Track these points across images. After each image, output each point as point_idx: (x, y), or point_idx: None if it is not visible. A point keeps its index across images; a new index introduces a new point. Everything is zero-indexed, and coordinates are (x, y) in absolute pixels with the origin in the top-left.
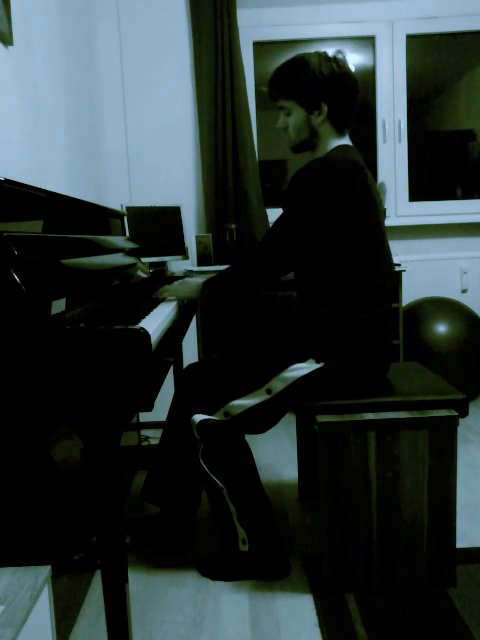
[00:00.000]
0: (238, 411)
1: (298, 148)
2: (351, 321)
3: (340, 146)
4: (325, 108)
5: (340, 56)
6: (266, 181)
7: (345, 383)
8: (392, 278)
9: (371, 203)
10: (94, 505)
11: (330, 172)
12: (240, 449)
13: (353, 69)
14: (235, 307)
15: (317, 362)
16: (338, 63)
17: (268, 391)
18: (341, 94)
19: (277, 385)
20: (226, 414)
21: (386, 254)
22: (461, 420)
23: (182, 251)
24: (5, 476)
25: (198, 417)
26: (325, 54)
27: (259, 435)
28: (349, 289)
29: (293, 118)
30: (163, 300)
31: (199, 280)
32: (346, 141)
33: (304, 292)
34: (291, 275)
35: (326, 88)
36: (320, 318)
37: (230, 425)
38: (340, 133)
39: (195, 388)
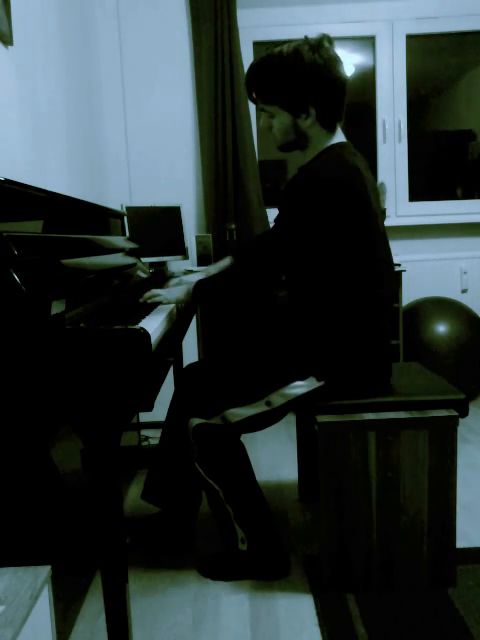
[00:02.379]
0: (236, 419)
1: (286, 148)
2: (351, 335)
3: (334, 146)
4: (313, 111)
5: (326, 44)
6: (266, 181)
7: (345, 396)
8: (392, 285)
9: (370, 210)
10: (94, 505)
11: (325, 186)
12: (236, 451)
13: (351, 67)
14: (228, 309)
15: (318, 380)
16: (320, 53)
17: (268, 403)
18: (329, 93)
19: (277, 399)
20: (223, 419)
21: (386, 261)
22: (461, 420)
23: (182, 251)
24: (5, 476)
25: (195, 420)
26: (307, 43)
27: (259, 435)
28: (348, 301)
29: (278, 121)
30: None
31: (191, 280)
32: (339, 137)
33: (301, 304)
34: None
35: (311, 89)
36: (319, 333)
37: (228, 427)
38: (332, 131)
39: (194, 390)
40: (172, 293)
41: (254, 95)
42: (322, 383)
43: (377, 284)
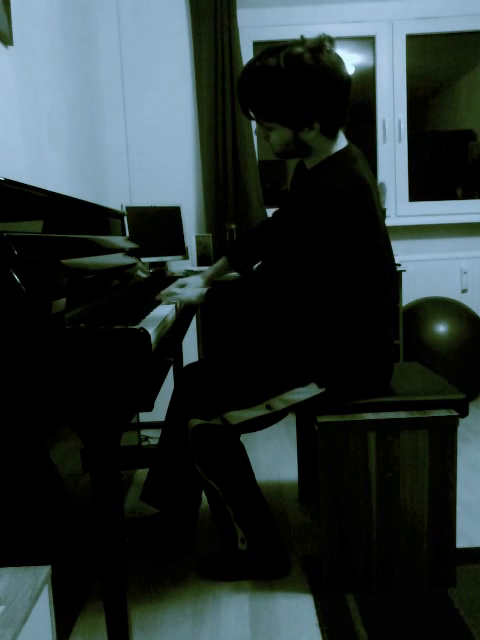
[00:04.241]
0: (236, 421)
1: (284, 156)
2: (355, 344)
3: (339, 154)
4: (317, 125)
5: (327, 45)
6: (266, 181)
7: (346, 400)
8: (395, 290)
9: (377, 220)
10: (94, 506)
11: (337, 199)
12: (235, 452)
13: (351, 67)
14: (239, 319)
15: (319, 387)
16: (323, 58)
17: (268, 407)
18: (334, 102)
19: (278, 404)
20: (223, 420)
21: (389, 261)
22: (461, 420)
23: (182, 251)
24: (5, 476)
25: (195, 421)
26: (307, 49)
27: (259, 435)
28: (353, 309)
29: (277, 135)
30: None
31: (201, 283)
32: (342, 142)
33: (304, 310)
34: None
35: (316, 102)
36: (323, 340)
37: (227, 429)
38: (334, 138)
39: (194, 391)
40: (185, 293)
41: (251, 113)
42: (323, 390)
43: (382, 292)
